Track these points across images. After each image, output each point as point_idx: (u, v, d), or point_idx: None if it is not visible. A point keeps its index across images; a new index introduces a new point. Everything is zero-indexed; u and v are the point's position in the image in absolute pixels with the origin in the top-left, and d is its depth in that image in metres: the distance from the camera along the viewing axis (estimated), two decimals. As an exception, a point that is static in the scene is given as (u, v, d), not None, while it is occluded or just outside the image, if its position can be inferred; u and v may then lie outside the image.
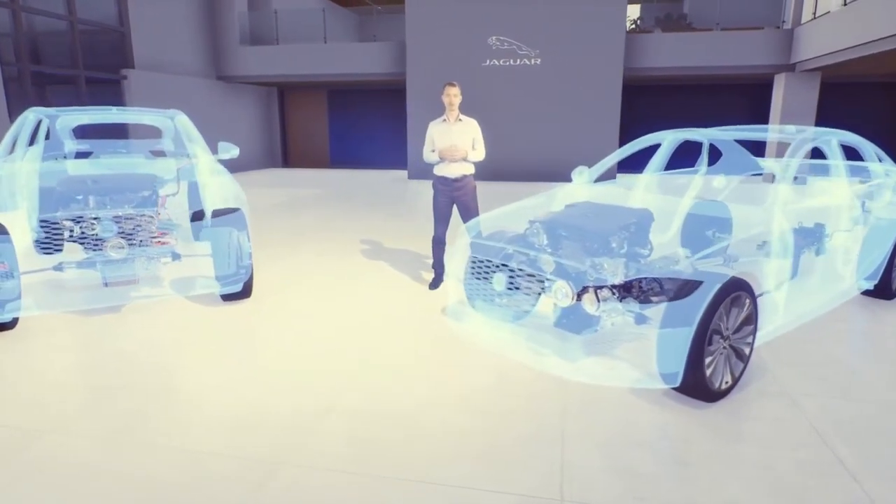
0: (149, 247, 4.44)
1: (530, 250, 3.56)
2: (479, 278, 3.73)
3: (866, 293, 4.73)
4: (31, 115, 5.38)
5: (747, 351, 3.21)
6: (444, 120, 5.07)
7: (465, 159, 4.99)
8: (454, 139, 4.98)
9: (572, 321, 3.51)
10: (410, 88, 14.96)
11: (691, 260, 3.30)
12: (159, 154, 7.53)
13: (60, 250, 5.33)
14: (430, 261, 6.24)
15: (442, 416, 3.00)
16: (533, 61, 14.23)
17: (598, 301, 3.35)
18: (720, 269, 3.70)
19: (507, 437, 2.79)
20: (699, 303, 2.83)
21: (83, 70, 12.44)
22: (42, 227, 4.38)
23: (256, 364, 3.65)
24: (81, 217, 4.23)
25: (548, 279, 3.42)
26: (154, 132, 7.68)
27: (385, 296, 5.06)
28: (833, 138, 4.18)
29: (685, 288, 2.93)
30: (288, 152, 20.01)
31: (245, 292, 4.71)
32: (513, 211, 4.38)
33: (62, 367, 3.59)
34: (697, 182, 5.89)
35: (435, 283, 5.24)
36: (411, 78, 14.90)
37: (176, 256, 4.60)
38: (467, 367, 3.60)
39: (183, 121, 6.06)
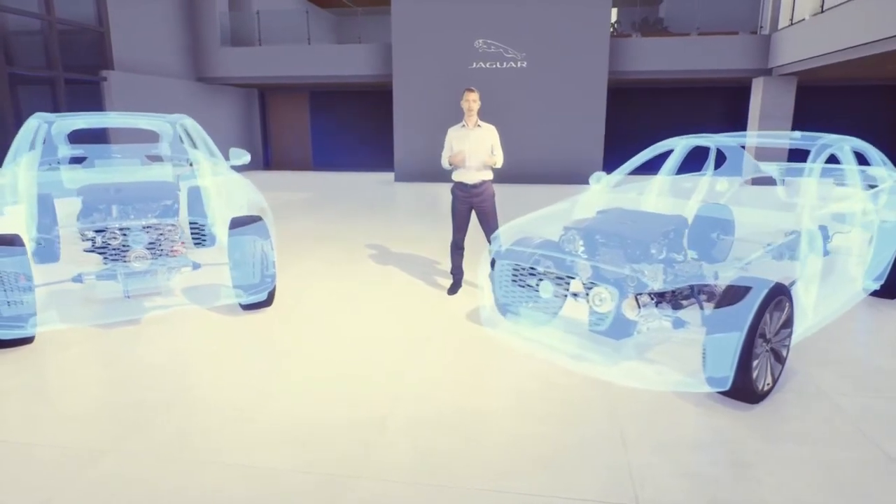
0: (169, 257, 4.36)
1: (570, 257, 3.61)
2: (521, 286, 3.77)
3: (872, 293, 4.92)
4: (34, 121, 5.22)
5: (785, 353, 3.33)
6: (463, 125, 5.09)
7: (490, 166, 5.02)
8: (472, 145, 5.00)
9: (611, 326, 3.58)
10: (397, 90, 14.92)
11: (741, 265, 3.39)
12: (155, 159, 7.38)
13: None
14: (441, 265, 6.28)
15: (496, 423, 3.03)
16: (519, 64, 14.35)
17: (639, 307, 3.43)
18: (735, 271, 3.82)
19: (567, 443, 2.84)
20: (749, 308, 2.92)
21: (62, 71, 12.06)
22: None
23: (294, 375, 3.62)
24: (105, 227, 4.12)
25: (592, 285, 3.47)
26: (143, 136, 7.51)
27: (405, 302, 5.06)
28: (846, 144, 4.35)
29: (734, 293, 3.02)
30: (269, 155, 19.75)
31: (267, 301, 4.66)
32: (538, 218, 4.43)
33: (97, 383, 3.50)
34: (703, 185, 6.07)
35: (453, 289, 5.26)
36: (398, 80, 14.87)
37: (196, 266, 4.52)
38: (509, 372, 3.64)
39: (189, 125, 5.96)
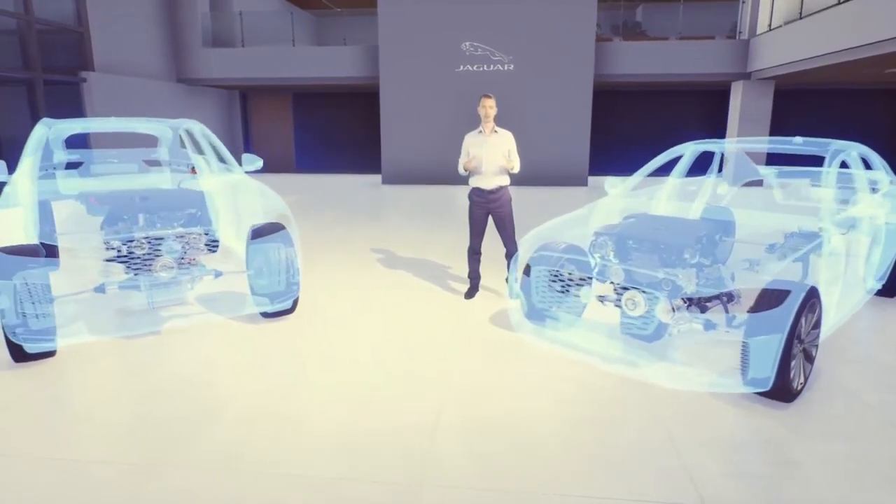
0: (193, 266, 4.29)
1: (616, 263, 3.70)
2: (561, 291, 3.83)
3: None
4: (42, 128, 5.07)
5: (814, 352, 3.46)
6: (480, 132, 5.14)
7: (502, 170, 5.07)
8: (489, 150, 5.05)
9: (640, 328, 3.68)
10: (384, 93, 14.89)
11: (781, 267, 3.51)
12: (154, 164, 7.25)
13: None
14: (451, 269, 6.33)
15: (542, 427, 3.07)
16: (506, 67, 14.46)
17: (673, 310, 3.53)
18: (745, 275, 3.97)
19: (617, 444, 2.90)
20: (789, 310, 3.03)
21: (41, 72, 11.71)
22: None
23: (329, 382, 3.60)
24: (134, 237, 4.04)
25: (625, 289, 3.56)
26: (127, 141, 7.36)
27: (425, 307, 5.07)
28: (854, 150, 4.54)
29: (772, 297, 3.13)
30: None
31: (291, 309, 4.62)
32: (560, 223, 4.50)
33: (129, 396, 3.43)
34: (706, 188, 6.25)
35: (471, 293, 5.30)
36: (385, 82, 14.83)
37: (217, 274, 4.47)
38: (544, 376, 3.68)
39: (196, 130, 5.87)
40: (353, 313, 4.92)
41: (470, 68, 14.56)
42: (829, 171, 4.10)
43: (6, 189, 4.63)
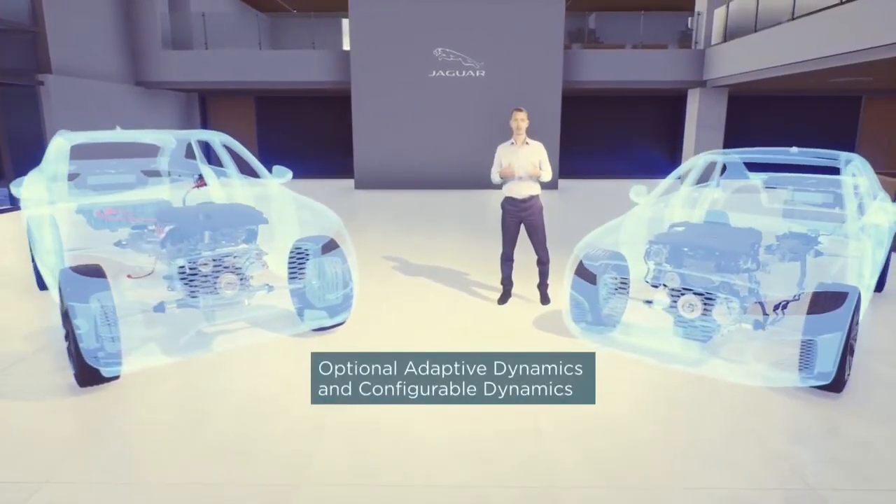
0: (249, 282, 4.26)
1: (678, 269, 3.98)
2: (620, 294, 4.08)
3: (866, 288, 5.66)
4: (63, 141, 4.87)
5: (854, 346, 3.84)
6: (512, 143, 5.33)
7: (533, 179, 5.26)
8: (521, 161, 5.25)
9: (697, 330, 3.97)
10: (356, 98, 14.82)
11: (836, 270, 3.86)
12: (153, 174, 7.07)
13: None
14: (470, 275, 6.48)
15: (635, 427, 3.28)
16: (478, 73, 14.71)
17: (729, 312, 3.83)
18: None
19: (711, 439, 3.15)
20: (849, 310, 3.38)
21: (-3, 75, 11.02)
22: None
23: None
24: (200, 256, 3.96)
25: (681, 294, 3.84)
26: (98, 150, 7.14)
27: (463, 315, 5.19)
28: (857, 160, 5.02)
29: (830, 298, 3.47)
30: (212, 162, 18.88)
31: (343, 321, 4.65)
32: (601, 233, 4.74)
33: (220, 418, 3.40)
34: (707, 195, 6.71)
35: (503, 299, 5.47)
36: (356, 87, 14.77)
37: (269, 289, 4.44)
38: (613, 378, 3.86)
39: (217, 141, 5.78)
40: (395, 322, 4.99)
41: (442, 74, 14.72)
42: (845, 180, 4.53)
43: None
